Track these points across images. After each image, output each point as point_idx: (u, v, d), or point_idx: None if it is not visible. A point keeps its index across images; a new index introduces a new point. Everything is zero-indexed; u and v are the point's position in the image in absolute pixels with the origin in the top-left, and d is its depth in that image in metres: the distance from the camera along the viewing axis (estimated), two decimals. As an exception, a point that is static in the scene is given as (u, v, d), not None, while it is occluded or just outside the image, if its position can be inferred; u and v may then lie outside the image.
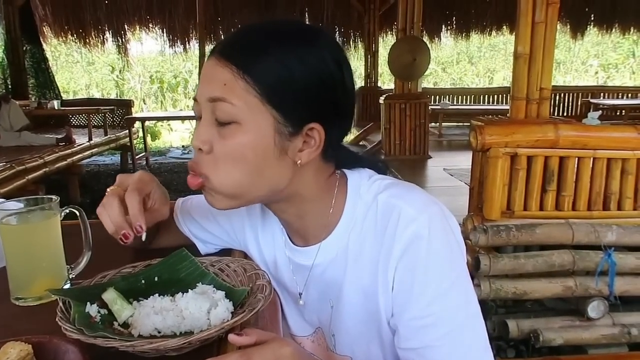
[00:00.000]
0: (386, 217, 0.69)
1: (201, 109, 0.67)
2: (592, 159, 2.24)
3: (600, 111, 6.51)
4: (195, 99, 0.68)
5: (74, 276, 0.88)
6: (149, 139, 7.38)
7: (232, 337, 0.58)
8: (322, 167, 0.72)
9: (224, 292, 0.75)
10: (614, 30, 8.60)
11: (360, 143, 6.45)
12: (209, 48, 7.66)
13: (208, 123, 0.65)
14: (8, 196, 2.35)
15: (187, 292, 0.74)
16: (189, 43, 7.89)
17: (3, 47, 6.69)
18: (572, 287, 2.04)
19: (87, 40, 7.65)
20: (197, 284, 0.78)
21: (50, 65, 7.38)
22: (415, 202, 0.69)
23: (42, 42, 7.18)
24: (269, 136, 0.64)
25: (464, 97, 8.62)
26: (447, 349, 0.65)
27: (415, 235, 0.66)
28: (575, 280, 2.05)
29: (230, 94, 0.62)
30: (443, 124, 7.33)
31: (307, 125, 0.65)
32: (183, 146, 8.43)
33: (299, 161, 0.67)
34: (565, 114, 8.34)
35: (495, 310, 2.15)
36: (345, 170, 0.76)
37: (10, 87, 6.65)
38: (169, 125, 9.25)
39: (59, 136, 5.02)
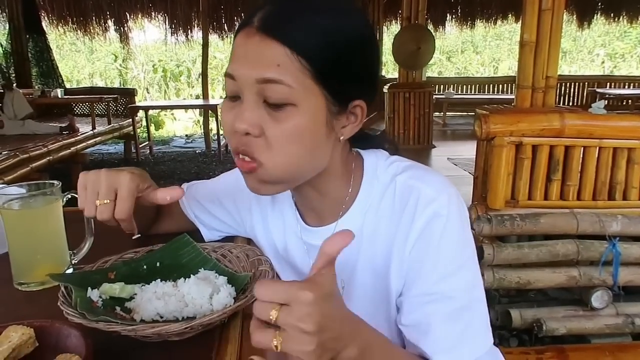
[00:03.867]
0: (405, 198, 0.69)
1: (241, 89, 0.62)
2: (597, 148, 2.22)
3: (606, 101, 6.46)
4: (230, 76, 0.63)
5: (76, 261, 0.88)
6: (152, 128, 7.38)
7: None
8: (346, 142, 0.72)
9: (226, 278, 0.75)
10: (621, 19, 8.52)
11: (364, 133, 6.42)
12: (212, 37, 7.64)
13: (254, 104, 0.62)
14: (12, 184, 2.35)
15: (189, 277, 0.74)
16: (191, 31, 7.85)
17: (6, 36, 6.68)
18: (576, 276, 2.03)
19: (89, 28, 7.63)
20: (200, 270, 0.78)
21: (54, 54, 7.37)
22: (434, 183, 0.69)
23: (44, 31, 7.16)
24: (322, 116, 0.63)
25: (469, 86, 8.58)
26: (447, 326, 0.65)
27: (434, 214, 0.66)
28: (579, 270, 2.04)
29: (285, 75, 0.59)
30: (447, 113, 7.31)
31: (352, 103, 0.65)
32: (186, 135, 8.43)
33: (341, 137, 0.67)
34: (570, 104, 8.30)
35: (498, 300, 2.14)
36: (360, 151, 0.76)
37: (13, 76, 6.65)
38: (172, 114, 9.24)
39: (63, 125, 5.02)
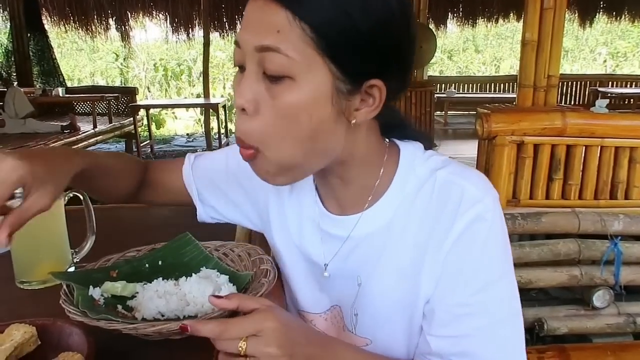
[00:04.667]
0: (445, 194, 0.62)
1: (245, 58, 0.56)
2: (599, 147, 2.22)
3: (608, 100, 6.45)
4: (237, 43, 0.57)
5: (78, 260, 0.89)
6: (153, 126, 7.37)
7: (211, 299, 0.56)
8: (373, 126, 0.65)
9: (227, 277, 0.75)
10: (623, 17, 8.49)
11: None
12: (213, 35, 7.63)
13: (254, 76, 0.56)
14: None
15: (190, 276, 0.74)
16: (192, 30, 7.85)
17: (8, 35, 6.68)
18: (578, 276, 2.03)
19: (91, 27, 7.62)
20: (201, 268, 0.78)
21: (55, 52, 7.37)
22: (478, 182, 0.63)
23: (46, 29, 7.16)
24: (326, 96, 0.55)
25: (470, 85, 8.57)
26: (484, 340, 0.61)
27: (478, 216, 0.60)
28: (581, 270, 2.04)
29: (284, 43, 0.52)
30: (449, 112, 7.29)
31: (367, 82, 0.57)
32: (187, 134, 8.43)
33: (354, 121, 0.59)
34: (572, 103, 8.28)
35: (499, 299, 2.14)
36: (397, 141, 0.69)
37: (15, 74, 6.65)
38: (173, 113, 9.23)
39: (64, 123, 5.02)
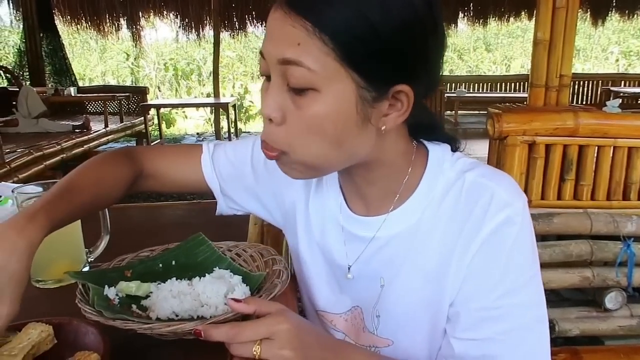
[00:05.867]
0: (474, 197, 0.62)
1: (270, 69, 0.57)
2: (612, 147, 2.20)
3: (621, 99, 6.38)
4: (261, 54, 0.58)
5: (92, 259, 0.89)
6: (163, 126, 7.42)
7: (230, 302, 0.57)
8: (402, 129, 0.64)
9: (240, 277, 0.75)
10: (636, 16, 8.39)
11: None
12: (223, 35, 7.66)
13: (278, 88, 0.56)
14: (26, 182, 2.38)
15: (204, 276, 0.75)
16: (203, 30, 7.87)
17: (21, 35, 6.75)
18: (590, 277, 2.01)
19: (102, 27, 7.68)
20: (214, 269, 0.78)
21: (67, 52, 7.44)
22: (508, 186, 0.62)
23: (58, 29, 7.23)
24: (351, 104, 0.55)
25: (481, 84, 8.50)
26: (508, 345, 0.60)
27: (507, 219, 0.60)
28: (593, 271, 2.02)
29: (305, 56, 0.52)
30: (459, 112, 7.25)
31: (393, 88, 0.56)
32: (197, 133, 8.47)
33: (384, 127, 0.58)
34: (584, 103, 8.20)
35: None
36: (425, 142, 0.68)
37: (27, 74, 6.72)
38: (183, 112, 9.28)
39: (76, 123, 5.07)
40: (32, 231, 0.57)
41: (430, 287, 0.64)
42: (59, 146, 4.33)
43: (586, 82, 8.29)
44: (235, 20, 7.76)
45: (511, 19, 8.51)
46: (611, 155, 2.21)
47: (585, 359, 1.93)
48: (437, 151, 0.67)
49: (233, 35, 8.00)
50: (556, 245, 2.00)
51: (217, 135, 6.82)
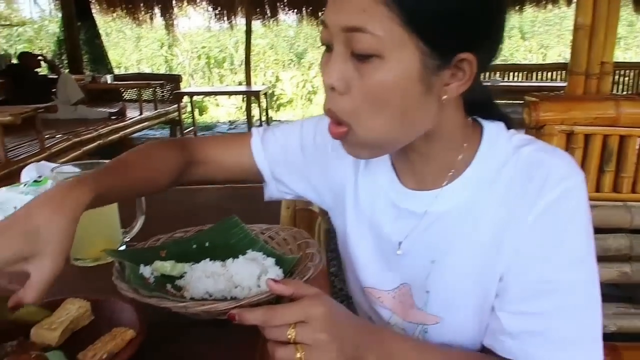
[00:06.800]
0: (530, 171, 0.61)
1: (332, 37, 0.56)
2: (656, 138, 2.11)
3: (665, 89, 6.12)
4: (323, 23, 0.57)
5: (128, 239, 0.91)
6: (196, 113, 7.51)
7: (269, 282, 0.56)
8: (460, 103, 0.63)
9: (274, 260, 0.75)
10: (683, 2, 8.00)
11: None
12: (254, 23, 7.68)
13: (342, 57, 0.56)
14: (65, 165, 2.44)
15: (237, 258, 0.75)
16: (235, 18, 7.91)
17: (59, 24, 6.93)
18: (629, 272, 1.95)
19: (137, 15, 7.80)
20: (247, 251, 0.79)
21: (103, 41, 7.60)
22: (566, 160, 0.61)
23: (94, 18, 7.38)
24: (415, 72, 0.54)
25: (516, 73, 8.29)
26: (559, 321, 0.59)
27: (566, 191, 0.59)
28: (632, 266, 1.95)
29: (371, 22, 0.52)
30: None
31: (457, 56, 0.55)
32: (229, 121, 8.55)
33: (445, 97, 0.57)
34: (625, 93, 7.91)
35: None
36: (480, 119, 0.67)
37: (66, 62, 6.90)
38: (215, 100, 9.38)
39: (112, 110, 5.19)
40: (80, 192, 0.58)
41: (481, 261, 0.63)
42: (96, 132, 4.44)
43: (627, 71, 7.98)
44: (266, 8, 7.77)
45: (549, 5, 8.23)
46: (655, 146, 2.12)
47: (625, 356, 1.87)
48: (492, 127, 0.66)
49: (264, 23, 8.01)
50: (594, 239, 1.94)
51: (249, 123, 6.87)
